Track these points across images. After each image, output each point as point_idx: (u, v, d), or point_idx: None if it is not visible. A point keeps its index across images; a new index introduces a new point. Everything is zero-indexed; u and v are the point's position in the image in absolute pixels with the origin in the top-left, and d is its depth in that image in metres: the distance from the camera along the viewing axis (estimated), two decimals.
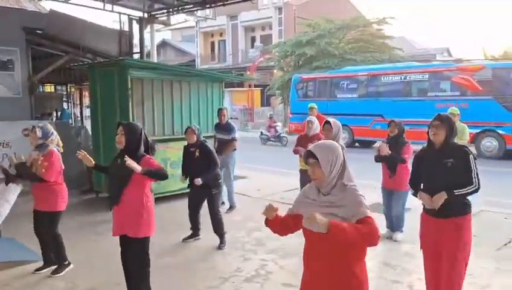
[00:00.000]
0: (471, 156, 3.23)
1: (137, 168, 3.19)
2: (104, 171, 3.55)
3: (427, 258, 3.47)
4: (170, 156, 7.25)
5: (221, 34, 35.18)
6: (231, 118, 30.10)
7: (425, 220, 3.44)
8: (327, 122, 4.85)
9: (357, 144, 16.74)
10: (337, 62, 21.80)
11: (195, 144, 5.19)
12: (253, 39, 33.92)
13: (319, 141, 2.46)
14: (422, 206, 3.51)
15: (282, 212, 2.41)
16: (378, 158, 5.47)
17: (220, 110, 7.14)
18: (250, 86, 27.25)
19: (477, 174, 3.22)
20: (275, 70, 27.22)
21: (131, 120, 6.67)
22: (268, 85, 26.71)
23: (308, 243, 2.37)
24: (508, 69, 14.31)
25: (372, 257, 5.01)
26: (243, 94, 27.66)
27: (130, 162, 3.14)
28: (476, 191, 3.23)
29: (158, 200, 6.91)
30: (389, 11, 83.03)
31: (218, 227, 5.31)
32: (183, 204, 7.24)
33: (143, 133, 3.48)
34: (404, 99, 15.53)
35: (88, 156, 3.52)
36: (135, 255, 3.47)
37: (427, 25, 79.42)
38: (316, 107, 8.05)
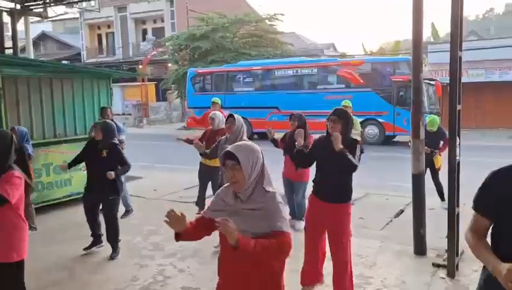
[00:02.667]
0: (358, 146, 3.64)
1: None
2: None
3: (309, 237, 3.77)
4: (52, 160, 6.60)
5: (109, 26, 33.18)
6: (123, 114, 28.10)
7: (312, 202, 3.75)
8: (231, 115, 4.82)
9: (255, 136, 17.13)
10: (232, 56, 22.03)
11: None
12: (144, 32, 32.67)
13: (239, 142, 2.30)
14: (311, 190, 3.79)
15: (184, 212, 2.13)
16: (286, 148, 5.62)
17: (103, 110, 6.59)
18: (143, 80, 26.09)
19: (359, 158, 3.59)
20: (169, 64, 26.53)
21: (4, 125, 5.91)
22: (164, 79, 25.96)
23: (222, 246, 2.21)
24: (383, 64, 15.90)
25: None
26: (135, 89, 26.32)
27: None
28: (355, 166, 3.52)
29: (40, 210, 6.29)
30: (279, 7, 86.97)
31: (113, 235, 4.93)
32: (70, 212, 6.71)
33: (14, 140, 3.00)
34: (296, 92, 16.32)
35: None
36: (11, 283, 2.97)
37: (314, 21, 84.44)
38: (219, 102, 7.60)
